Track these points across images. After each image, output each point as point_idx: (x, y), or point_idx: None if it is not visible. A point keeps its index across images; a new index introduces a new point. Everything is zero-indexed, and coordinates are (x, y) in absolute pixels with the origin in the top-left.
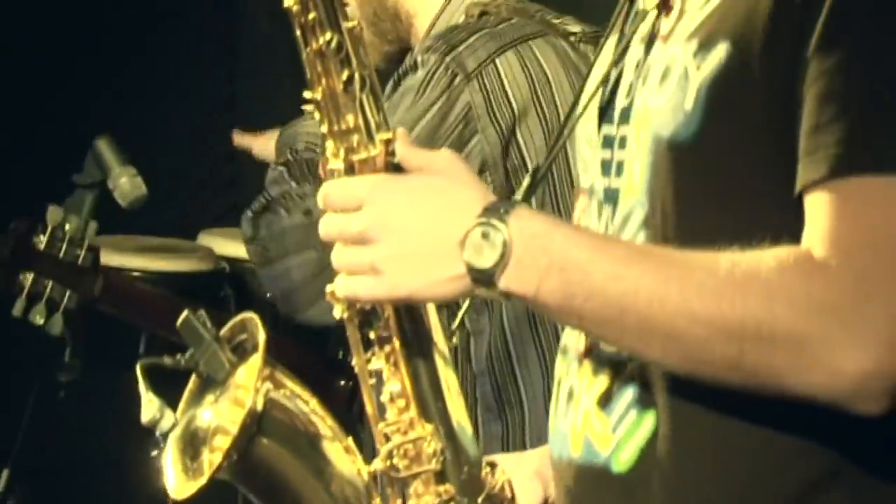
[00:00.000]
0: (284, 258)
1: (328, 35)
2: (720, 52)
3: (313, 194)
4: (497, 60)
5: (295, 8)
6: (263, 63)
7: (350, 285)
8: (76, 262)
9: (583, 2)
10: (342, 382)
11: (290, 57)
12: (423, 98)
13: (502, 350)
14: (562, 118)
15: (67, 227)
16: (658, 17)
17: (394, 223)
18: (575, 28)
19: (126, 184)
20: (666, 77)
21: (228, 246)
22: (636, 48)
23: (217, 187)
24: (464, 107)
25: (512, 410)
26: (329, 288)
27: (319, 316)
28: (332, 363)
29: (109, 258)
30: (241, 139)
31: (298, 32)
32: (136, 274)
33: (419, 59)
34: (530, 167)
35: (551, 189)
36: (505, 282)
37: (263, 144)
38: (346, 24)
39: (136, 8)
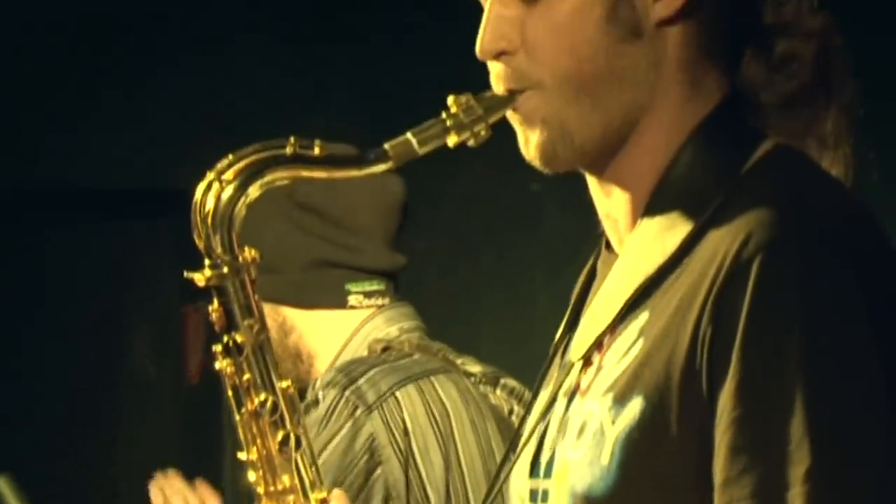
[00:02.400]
0: None
1: (262, 396)
2: (635, 407)
3: None
4: (397, 394)
5: (228, 370)
6: (147, 402)
7: None
8: None
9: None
10: None
11: (171, 397)
12: (326, 430)
13: None
14: (461, 453)
15: None
16: (581, 370)
17: None
18: (475, 368)
19: None
20: (583, 431)
21: None
22: (560, 401)
23: None
24: (367, 437)
25: None
26: None
27: None
28: None
29: None
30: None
31: (231, 394)
32: None
33: (320, 394)
34: (432, 500)
35: None
36: None
37: None
38: (279, 385)
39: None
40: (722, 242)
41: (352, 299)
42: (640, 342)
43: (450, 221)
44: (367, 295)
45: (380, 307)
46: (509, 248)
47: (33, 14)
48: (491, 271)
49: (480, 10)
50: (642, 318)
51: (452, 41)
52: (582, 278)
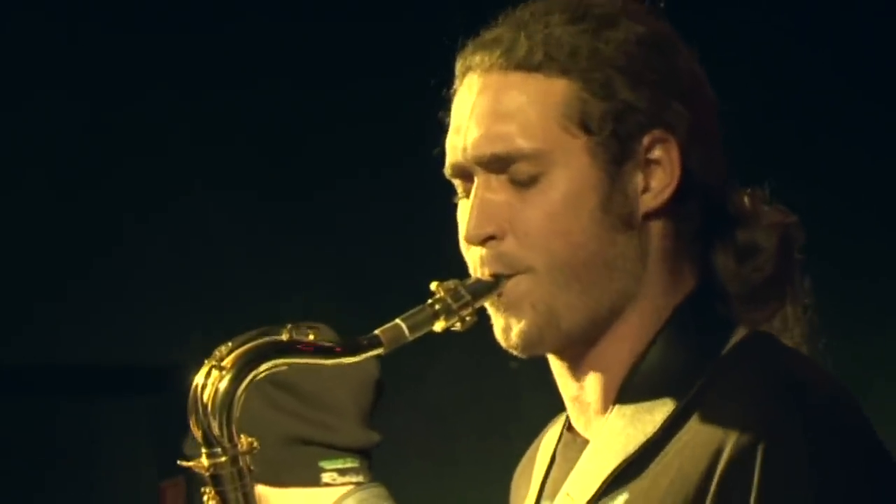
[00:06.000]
0: None
1: None
2: None
3: None
4: None
5: None
6: None
7: None
8: None
9: None
10: None
11: None
12: None
13: None
14: None
15: None
16: None
17: None
18: None
19: None
20: None
21: None
22: None
23: None
24: None
25: None
26: None
27: None
28: None
29: None
30: None
31: None
32: None
33: None
34: None
35: None
36: None
37: None
38: None
39: None
40: (715, 428)
41: (325, 477)
42: None
43: (427, 399)
44: (342, 472)
45: (355, 484)
46: (487, 425)
47: (9, 186)
48: (468, 449)
49: (455, 194)
50: (620, 499)
51: (427, 224)
52: (545, 460)
